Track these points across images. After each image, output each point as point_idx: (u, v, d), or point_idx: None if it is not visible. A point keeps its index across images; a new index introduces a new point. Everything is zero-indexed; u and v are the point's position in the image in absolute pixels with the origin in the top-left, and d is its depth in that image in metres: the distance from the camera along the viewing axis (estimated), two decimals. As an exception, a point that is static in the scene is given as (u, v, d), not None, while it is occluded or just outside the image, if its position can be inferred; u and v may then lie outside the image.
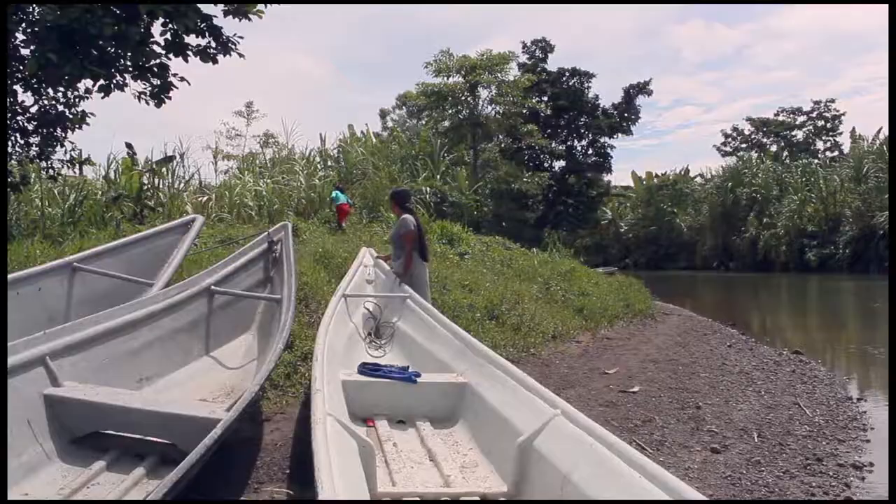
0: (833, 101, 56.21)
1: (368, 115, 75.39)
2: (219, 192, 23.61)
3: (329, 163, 30.44)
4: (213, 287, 6.39)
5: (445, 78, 33.66)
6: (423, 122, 35.85)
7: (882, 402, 8.10)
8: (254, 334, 6.61)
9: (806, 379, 8.54)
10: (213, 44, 10.13)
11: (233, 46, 10.19)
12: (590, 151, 43.56)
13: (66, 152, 12.19)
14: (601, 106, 42.82)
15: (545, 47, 42.57)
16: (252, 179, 24.76)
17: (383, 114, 46.83)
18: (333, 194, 20.34)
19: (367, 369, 5.10)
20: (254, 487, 4.19)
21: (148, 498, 2.83)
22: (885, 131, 43.06)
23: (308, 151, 31.15)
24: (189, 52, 10.11)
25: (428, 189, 26.24)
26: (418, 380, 4.96)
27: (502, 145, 38.59)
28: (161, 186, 21.21)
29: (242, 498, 4.07)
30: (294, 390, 6.09)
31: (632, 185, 58.79)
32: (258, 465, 4.52)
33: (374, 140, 35.45)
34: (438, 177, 28.85)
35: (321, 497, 2.62)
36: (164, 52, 10.05)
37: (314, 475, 2.77)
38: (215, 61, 10.16)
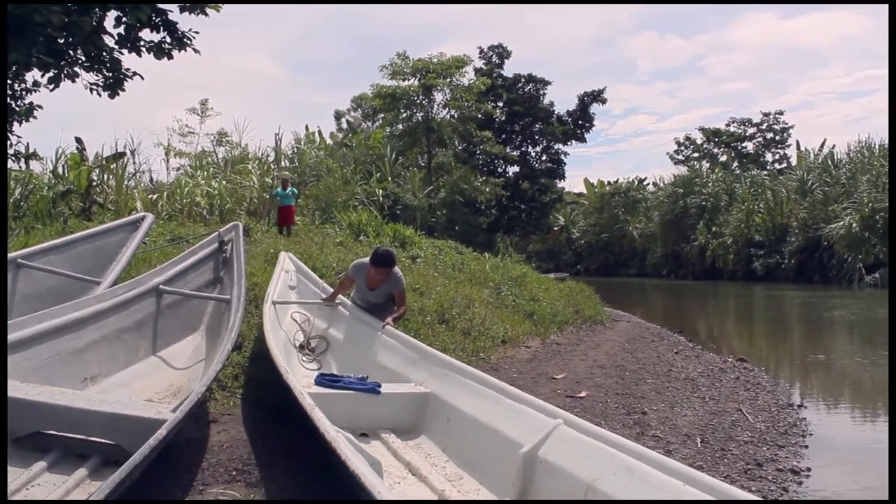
0: (782, 113, 57.06)
1: (324, 116, 74.94)
2: (170, 189, 23.26)
3: (284, 162, 30.20)
4: (161, 286, 6.33)
5: (401, 80, 33.71)
6: (378, 125, 35.80)
7: (822, 409, 8.42)
8: (202, 335, 6.55)
9: (749, 386, 8.70)
10: (168, 39, 9.99)
11: (188, 42, 10.05)
12: (543, 157, 44.03)
13: (11, 146, 11.93)
14: (556, 113, 43.29)
15: (501, 53, 42.90)
16: (204, 178, 24.43)
17: (338, 115, 46.67)
18: (276, 192, 18.87)
19: (327, 380, 4.97)
20: (199, 489, 4.14)
21: (90, 498, 2.79)
22: (829, 144, 44.28)
23: (262, 151, 30.93)
24: (142, 48, 9.95)
25: (381, 191, 26.17)
26: (381, 390, 4.82)
27: (457, 149, 38.71)
28: (111, 182, 20.84)
29: (187, 499, 4.03)
30: (242, 392, 6.04)
31: (584, 191, 59.39)
32: (204, 466, 4.47)
33: (328, 141, 35.30)
34: (391, 179, 28.81)
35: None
36: (116, 46, 9.88)
37: (370, 493, 2.76)
38: (170, 57, 10.01)
